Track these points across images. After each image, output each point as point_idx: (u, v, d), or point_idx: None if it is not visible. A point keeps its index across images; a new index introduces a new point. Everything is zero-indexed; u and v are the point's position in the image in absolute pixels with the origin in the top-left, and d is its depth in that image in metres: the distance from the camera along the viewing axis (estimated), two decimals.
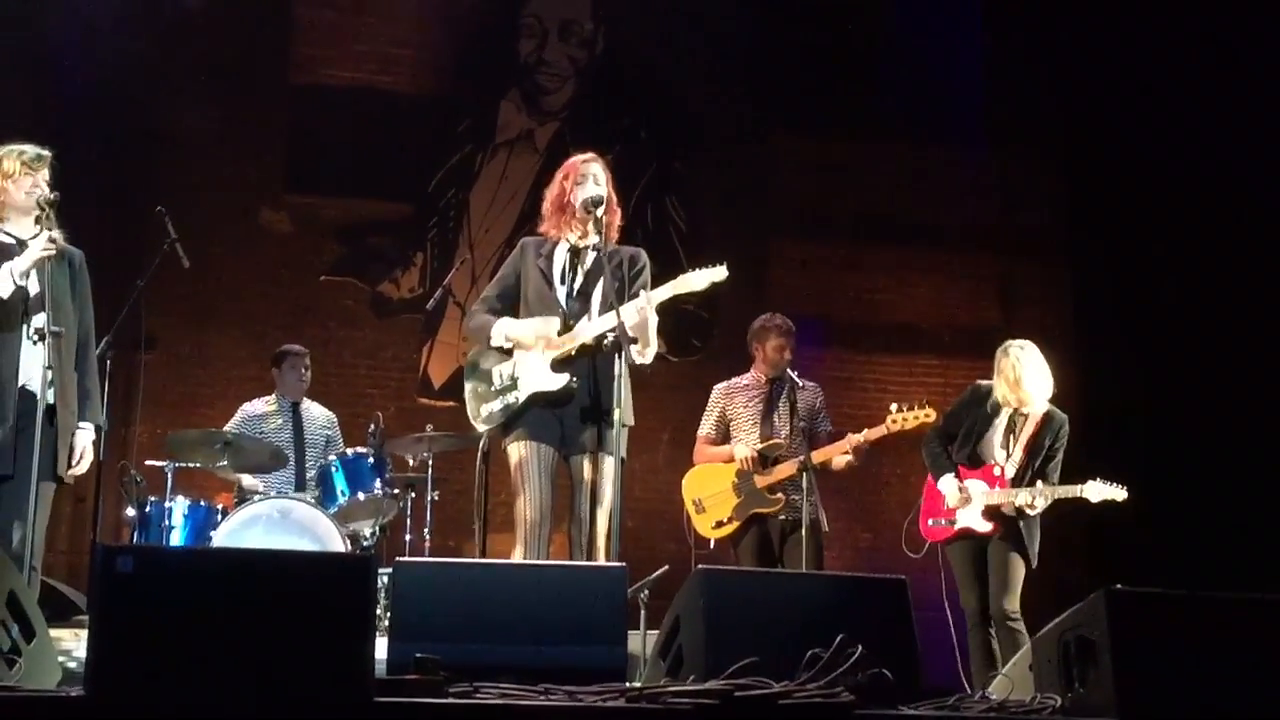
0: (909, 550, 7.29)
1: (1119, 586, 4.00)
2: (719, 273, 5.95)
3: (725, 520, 7.66)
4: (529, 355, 5.92)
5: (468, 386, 6.13)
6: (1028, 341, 7.22)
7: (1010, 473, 7.02)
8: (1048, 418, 7.09)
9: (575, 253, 6.08)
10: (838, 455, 7.60)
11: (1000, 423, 7.13)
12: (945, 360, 11.05)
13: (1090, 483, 6.90)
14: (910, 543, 7.32)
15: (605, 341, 5.76)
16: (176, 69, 10.42)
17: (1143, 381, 10.27)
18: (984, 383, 7.30)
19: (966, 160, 11.40)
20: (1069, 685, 4.05)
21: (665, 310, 5.93)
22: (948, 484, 7.12)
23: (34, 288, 5.56)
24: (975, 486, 7.06)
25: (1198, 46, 10.25)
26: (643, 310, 5.80)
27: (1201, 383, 9.89)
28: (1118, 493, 6.90)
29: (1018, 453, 7.05)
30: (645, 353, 5.89)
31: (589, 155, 6.22)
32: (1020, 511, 6.92)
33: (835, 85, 11.21)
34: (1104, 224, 11.00)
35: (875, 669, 3.81)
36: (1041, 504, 6.90)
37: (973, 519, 7.04)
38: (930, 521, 7.22)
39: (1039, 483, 6.95)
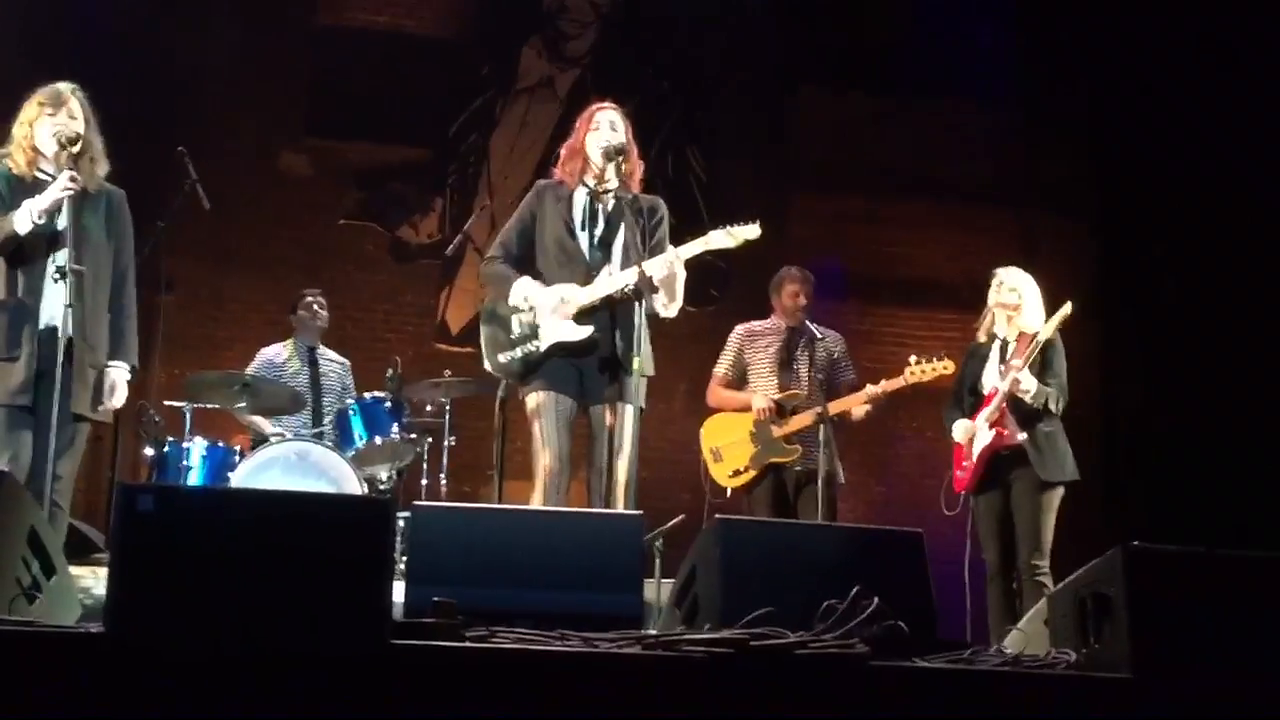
0: (947, 510, 7.23)
1: (1136, 544, 4.00)
2: (752, 230, 5.93)
3: (742, 469, 7.68)
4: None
5: (485, 332, 6.13)
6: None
7: (1004, 387, 6.99)
8: (1035, 340, 7.04)
9: (594, 199, 6.06)
10: (856, 406, 7.61)
11: (992, 358, 7.15)
12: (965, 314, 10.87)
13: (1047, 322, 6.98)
14: (949, 502, 7.26)
15: (626, 289, 5.75)
16: (200, 7, 10.39)
17: (1166, 334, 10.25)
18: (974, 343, 7.33)
19: (989, 115, 11.33)
20: (1084, 641, 4.05)
21: (686, 262, 5.92)
22: (959, 427, 7.15)
23: (62, 225, 5.57)
24: (980, 417, 7.05)
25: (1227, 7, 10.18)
26: (671, 264, 5.79)
27: (1225, 335, 9.86)
28: (1064, 309, 6.92)
29: (1011, 369, 7.01)
30: (670, 307, 5.90)
31: (606, 103, 6.21)
32: (1029, 414, 6.89)
33: (858, 38, 11.16)
34: (1128, 178, 10.96)
35: (890, 621, 3.82)
36: (1032, 382, 6.85)
37: (983, 439, 7.00)
38: (959, 472, 7.19)
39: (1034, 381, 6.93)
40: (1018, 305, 7.11)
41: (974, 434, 7.06)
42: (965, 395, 7.25)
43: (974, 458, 7.05)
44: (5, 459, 5.43)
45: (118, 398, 5.82)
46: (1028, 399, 6.89)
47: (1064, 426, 7.02)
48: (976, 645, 4.61)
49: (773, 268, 8.06)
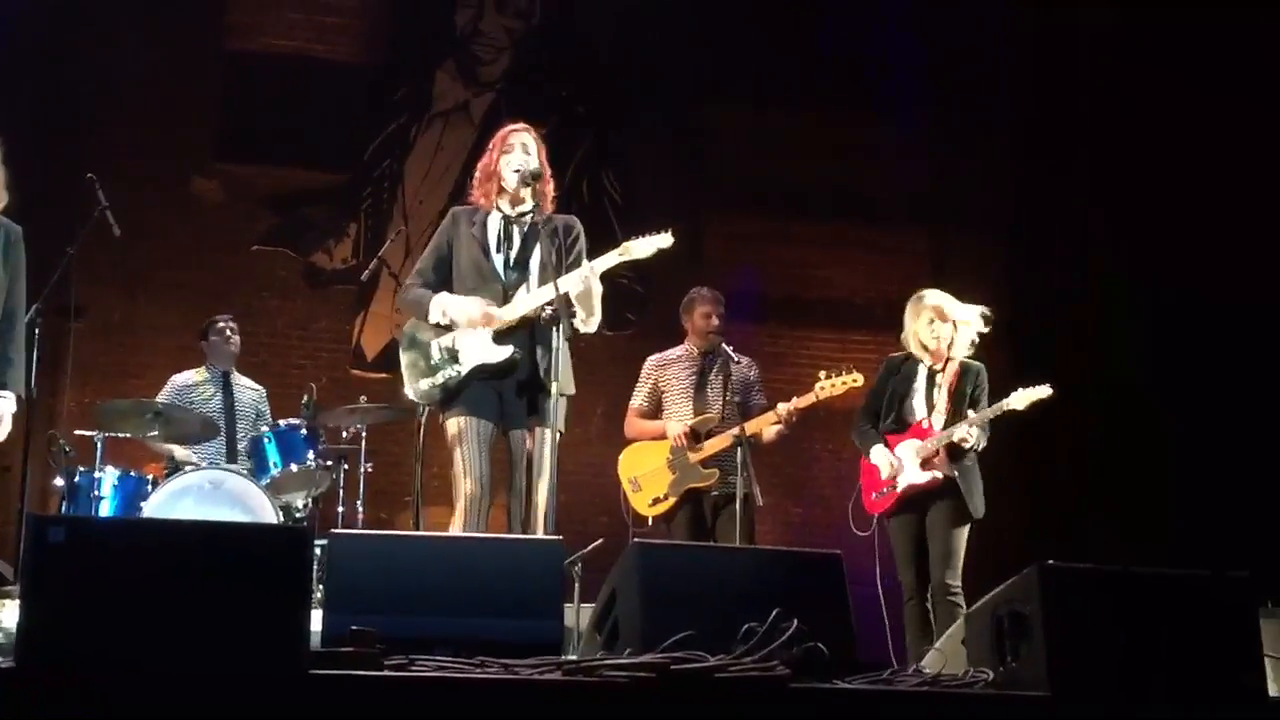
0: (857, 529, 7.28)
1: (1051, 562, 4.03)
2: (664, 240, 5.98)
3: (662, 497, 7.69)
4: (469, 329, 5.89)
5: (404, 358, 6.10)
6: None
7: (939, 423, 7.03)
8: (964, 367, 7.13)
9: (509, 221, 6.07)
10: (768, 425, 7.63)
11: (919, 383, 7.16)
12: (879, 335, 11.01)
13: (1014, 393, 6.96)
14: (856, 522, 7.32)
15: (544, 314, 5.75)
16: (109, 34, 10.28)
17: (1079, 357, 10.34)
18: (895, 354, 7.34)
19: (902, 133, 11.40)
20: (1001, 660, 4.08)
21: (600, 282, 5.93)
22: (879, 454, 7.13)
23: None
24: (906, 447, 7.07)
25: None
26: (587, 279, 5.81)
27: (1141, 346, 9.96)
28: (1042, 390, 6.95)
29: (942, 403, 7.07)
30: (590, 321, 5.92)
31: (519, 125, 6.23)
32: (956, 450, 6.92)
33: (770, 57, 11.20)
34: (1041, 197, 11.08)
35: (810, 643, 3.83)
36: (976, 434, 6.90)
37: (911, 475, 7.02)
38: (874, 495, 7.20)
39: (970, 412, 6.97)
40: (951, 338, 7.13)
41: (898, 466, 7.06)
42: (881, 411, 7.24)
43: (898, 488, 7.07)
44: None
45: (3, 428, 5.73)
46: (966, 447, 6.95)
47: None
48: (895, 666, 4.63)
49: (688, 289, 8.08)
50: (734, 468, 7.45)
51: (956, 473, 6.96)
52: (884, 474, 7.11)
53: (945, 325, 7.10)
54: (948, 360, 7.13)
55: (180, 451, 8.13)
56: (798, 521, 10.79)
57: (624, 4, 11.17)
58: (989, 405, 7.03)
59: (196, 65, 10.62)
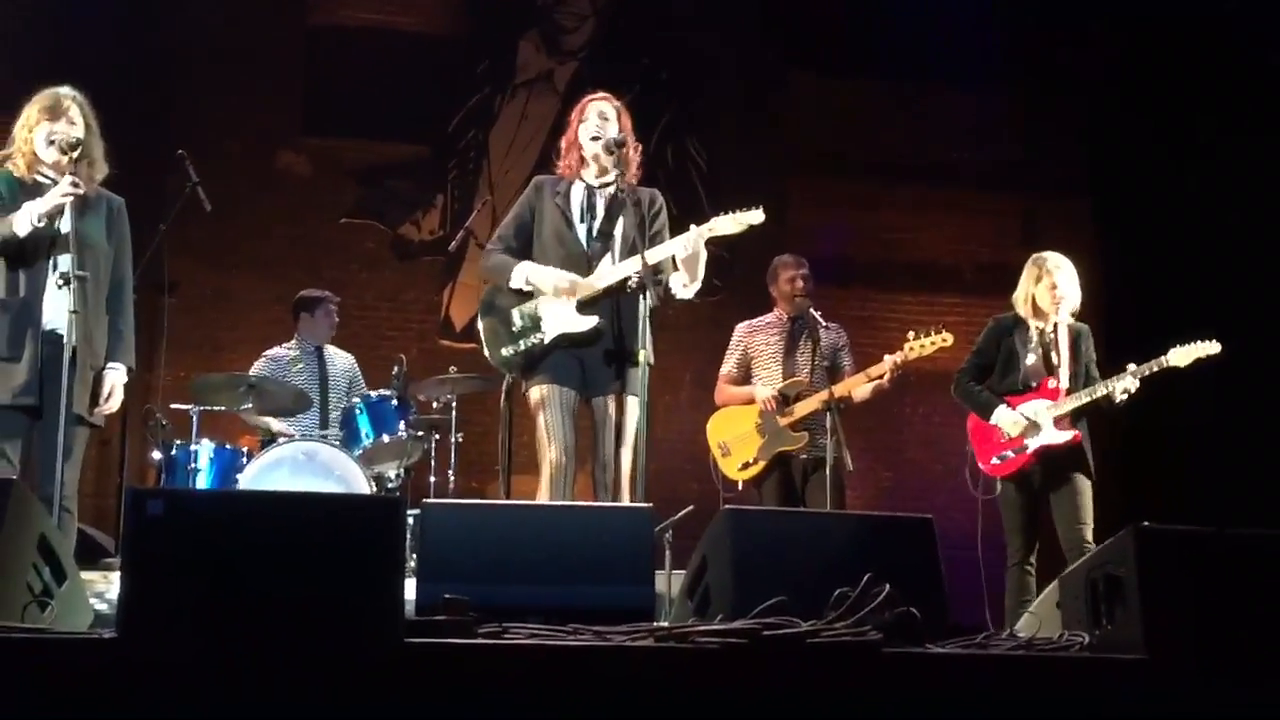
0: (980, 493, 7.15)
1: (1146, 524, 3.99)
2: (755, 216, 5.92)
3: (751, 461, 7.67)
4: (553, 297, 5.91)
5: (483, 324, 6.09)
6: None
7: (1066, 383, 6.93)
8: (1074, 329, 7.06)
9: (592, 191, 6.06)
10: (859, 386, 7.58)
11: (1033, 344, 7.04)
12: (967, 298, 11.02)
13: (1174, 349, 6.83)
14: (975, 486, 7.16)
15: (630, 283, 5.75)
16: (193, 12, 10.39)
17: (1169, 319, 10.21)
18: (1003, 315, 7.24)
19: (987, 98, 11.32)
20: (1096, 622, 4.04)
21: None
22: (1004, 415, 6.96)
23: (65, 230, 5.58)
24: (1035, 406, 6.94)
25: None
26: (695, 243, 5.78)
27: (1228, 315, 9.81)
28: (1209, 347, 6.84)
29: (1065, 362, 6.98)
30: (690, 287, 5.91)
31: (598, 94, 6.19)
32: (1109, 401, 6.81)
33: (854, 23, 11.13)
34: (1128, 159, 10.94)
35: (902, 607, 3.81)
36: (1134, 386, 6.79)
37: (1048, 436, 6.88)
38: (995, 459, 7.03)
39: (1129, 365, 6.84)
40: (1074, 299, 7.04)
41: (1024, 426, 6.93)
42: (994, 371, 7.11)
43: (1028, 449, 6.92)
44: (5, 463, 5.45)
45: (114, 400, 5.83)
46: (1118, 401, 6.84)
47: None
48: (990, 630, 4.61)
49: (774, 254, 8.05)
50: (823, 431, 7.42)
51: (1081, 432, 6.90)
52: (1011, 433, 6.95)
53: (1066, 287, 7.02)
54: (1055, 322, 7.04)
55: (276, 424, 8.23)
56: (888, 485, 10.76)
57: None
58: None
59: (281, 40, 10.72)
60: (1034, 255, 7.20)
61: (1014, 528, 6.98)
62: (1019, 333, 7.10)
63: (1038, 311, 7.06)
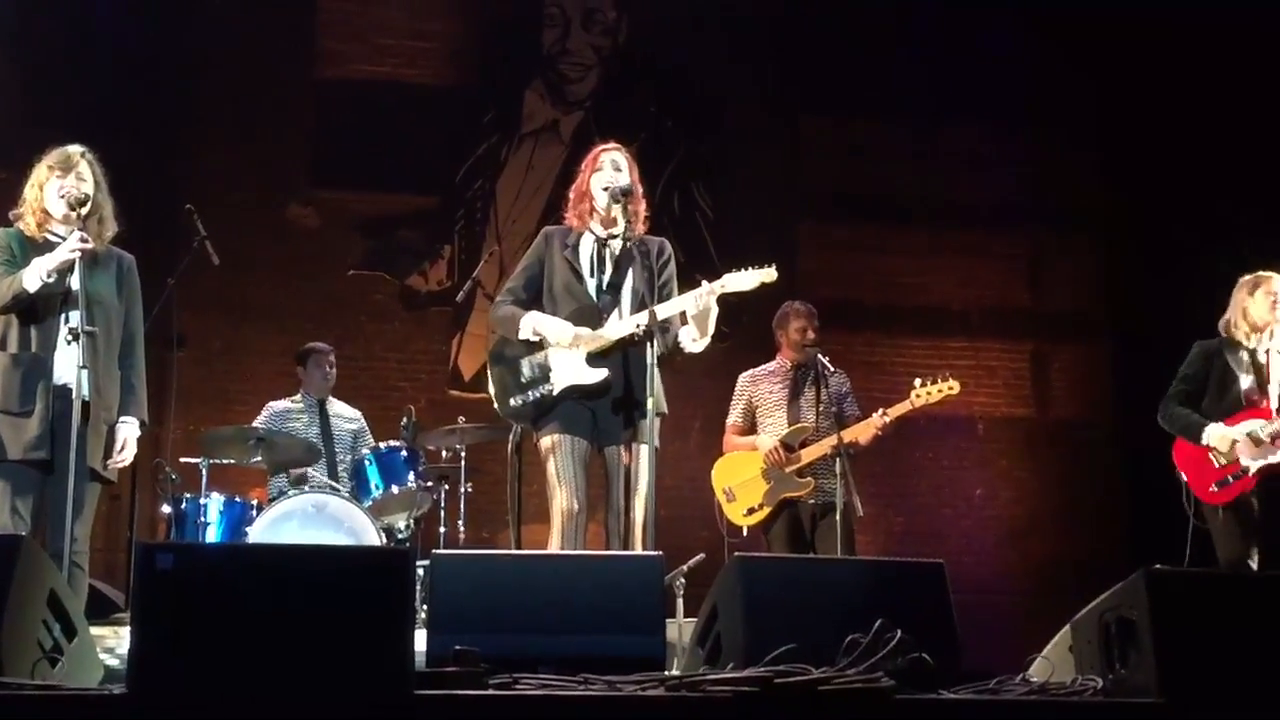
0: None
1: (1158, 566, 3.98)
2: (768, 274, 5.91)
3: (756, 507, 7.66)
4: (562, 348, 5.90)
5: (493, 374, 6.09)
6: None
7: (1277, 403, 6.84)
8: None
9: (601, 244, 6.06)
10: (865, 434, 7.57)
11: (1245, 366, 6.95)
12: (975, 342, 11.02)
13: None
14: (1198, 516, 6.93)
15: (638, 332, 5.74)
16: (200, 64, 10.46)
17: (1179, 358, 10.21)
18: (1207, 340, 7.13)
19: (995, 138, 11.33)
20: (1110, 666, 4.03)
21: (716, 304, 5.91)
22: (1217, 434, 6.83)
23: (75, 286, 5.61)
24: (1249, 425, 6.80)
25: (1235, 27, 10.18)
26: (705, 300, 5.78)
27: None
28: None
29: (1277, 380, 6.88)
30: (700, 341, 5.90)
31: (610, 144, 6.19)
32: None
33: (859, 64, 11.16)
34: (1136, 201, 10.94)
35: (915, 653, 3.80)
36: None
37: (1270, 455, 6.71)
38: (1214, 486, 6.83)
39: None
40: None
41: (1238, 444, 6.77)
42: (1204, 394, 7.01)
43: (1250, 471, 6.75)
44: (17, 519, 5.46)
45: (127, 454, 5.86)
46: None
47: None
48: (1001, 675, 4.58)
49: (781, 300, 8.05)
50: (830, 476, 7.42)
51: None
52: (1225, 452, 6.78)
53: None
54: (1267, 345, 6.97)
55: (297, 470, 8.20)
56: (899, 531, 10.72)
57: (709, 17, 11.16)
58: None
59: (288, 93, 10.77)
60: (1245, 276, 7.13)
61: (1240, 554, 6.66)
62: (1230, 354, 7.03)
63: (1253, 328, 6.99)
